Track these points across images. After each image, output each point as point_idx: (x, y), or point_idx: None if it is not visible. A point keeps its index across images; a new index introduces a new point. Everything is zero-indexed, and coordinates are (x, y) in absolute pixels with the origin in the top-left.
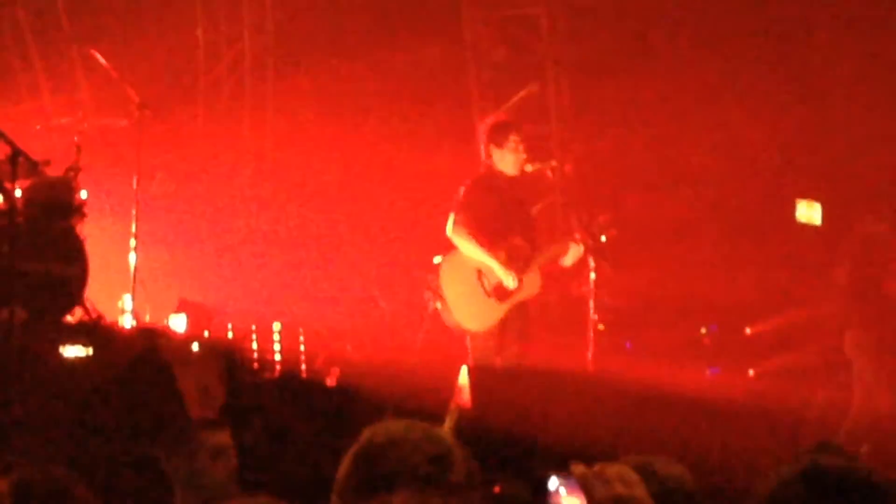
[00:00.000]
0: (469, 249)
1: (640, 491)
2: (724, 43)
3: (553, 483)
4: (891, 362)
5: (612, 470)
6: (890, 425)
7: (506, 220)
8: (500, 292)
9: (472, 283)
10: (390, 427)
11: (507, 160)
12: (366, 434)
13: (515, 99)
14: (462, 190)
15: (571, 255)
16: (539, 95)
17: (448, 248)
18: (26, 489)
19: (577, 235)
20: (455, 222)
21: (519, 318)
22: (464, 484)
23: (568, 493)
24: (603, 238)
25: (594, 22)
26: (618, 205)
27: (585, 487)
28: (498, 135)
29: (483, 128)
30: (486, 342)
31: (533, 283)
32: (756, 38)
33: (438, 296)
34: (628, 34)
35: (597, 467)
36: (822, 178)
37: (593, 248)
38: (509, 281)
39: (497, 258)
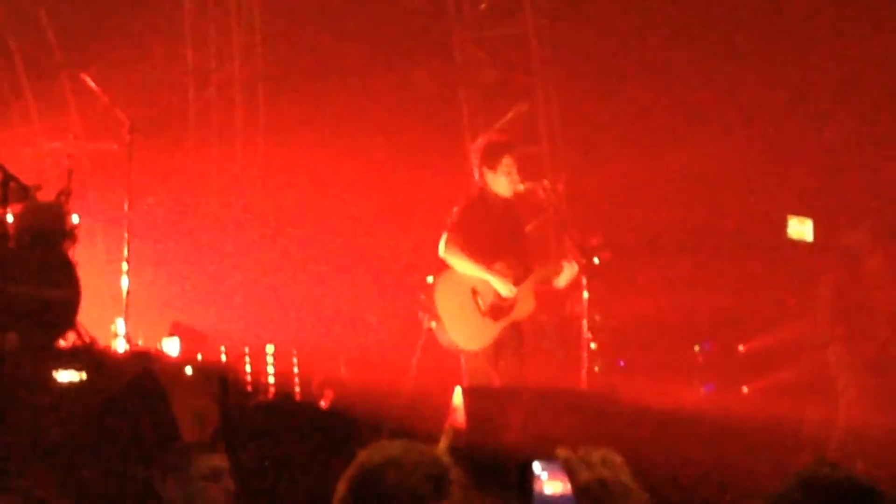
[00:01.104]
0: (463, 266)
1: (623, 474)
2: (715, 60)
3: (537, 467)
4: (873, 377)
5: (597, 454)
6: (880, 440)
7: (499, 240)
8: (495, 311)
9: (466, 302)
10: (386, 448)
11: (501, 183)
12: (361, 456)
13: (506, 118)
14: (455, 210)
15: (565, 276)
16: (529, 114)
17: (440, 268)
18: None
19: (571, 256)
20: (448, 241)
21: (514, 338)
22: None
23: (552, 477)
24: (596, 260)
25: (583, 41)
26: (610, 223)
27: (569, 471)
28: (491, 157)
29: (475, 149)
30: (482, 361)
31: (527, 301)
32: (747, 55)
33: (433, 315)
34: (617, 52)
35: (581, 451)
36: (813, 195)
37: (587, 269)
38: (506, 290)
39: (492, 271)
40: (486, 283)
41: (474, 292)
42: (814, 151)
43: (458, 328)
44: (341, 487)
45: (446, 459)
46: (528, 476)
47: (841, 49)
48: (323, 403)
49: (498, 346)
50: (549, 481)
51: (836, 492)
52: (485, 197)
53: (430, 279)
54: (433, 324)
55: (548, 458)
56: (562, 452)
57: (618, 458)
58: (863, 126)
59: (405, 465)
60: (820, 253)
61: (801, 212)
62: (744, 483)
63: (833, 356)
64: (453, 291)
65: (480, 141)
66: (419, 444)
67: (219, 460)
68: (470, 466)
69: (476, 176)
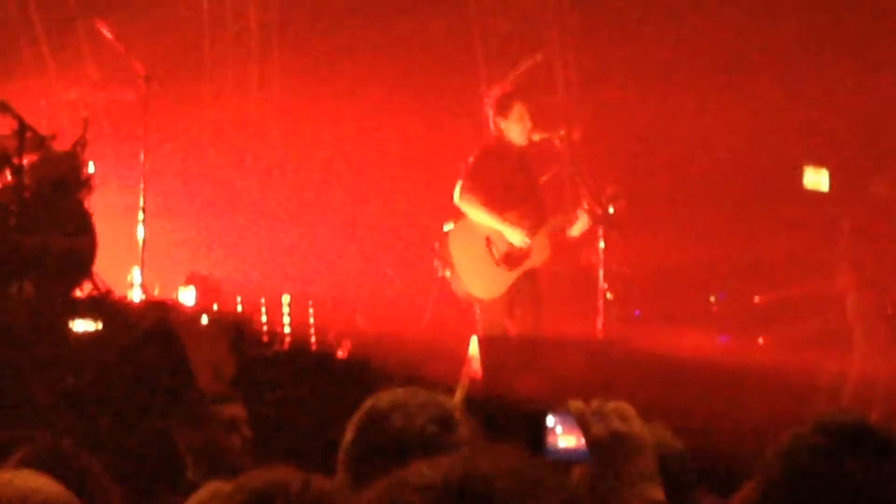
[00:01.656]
0: (477, 215)
1: (637, 426)
2: (734, 10)
3: (550, 420)
4: (891, 328)
5: (609, 406)
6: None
7: (513, 189)
8: (509, 260)
9: (481, 250)
10: (392, 394)
11: (514, 130)
12: (368, 402)
13: (522, 68)
14: (470, 159)
15: (579, 225)
16: (545, 64)
17: (456, 217)
18: (35, 464)
19: (586, 205)
20: (462, 189)
21: (529, 286)
22: (469, 444)
23: (565, 431)
24: (611, 209)
25: None
26: (626, 173)
27: (582, 424)
28: (502, 106)
29: (488, 101)
30: (497, 311)
31: (542, 250)
32: (766, 3)
33: (448, 264)
34: (634, 2)
35: (594, 403)
36: (829, 145)
37: (602, 218)
38: (519, 239)
39: (506, 220)
40: (499, 232)
41: (488, 241)
42: (830, 101)
43: (472, 277)
44: (348, 434)
45: (453, 402)
46: (541, 429)
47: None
48: (340, 353)
49: (512, 295)
50: (563, 435)
51: (851, 436)
52: (500, 146)
53: (447, 227)
54: (447, 272)
55: (560, 410)
56: (574, 405)
57: (631, 410)
58: (877, 75)
59: (411, 408)
60: (840, 201)
61: (817, 161)
62: (758, 433)
63: (851, 305)
64: (467, 240)
65: (493, 92)
66: (425, 390)
67: (236, 409)
68: (486, 416)
69: (491, 127)
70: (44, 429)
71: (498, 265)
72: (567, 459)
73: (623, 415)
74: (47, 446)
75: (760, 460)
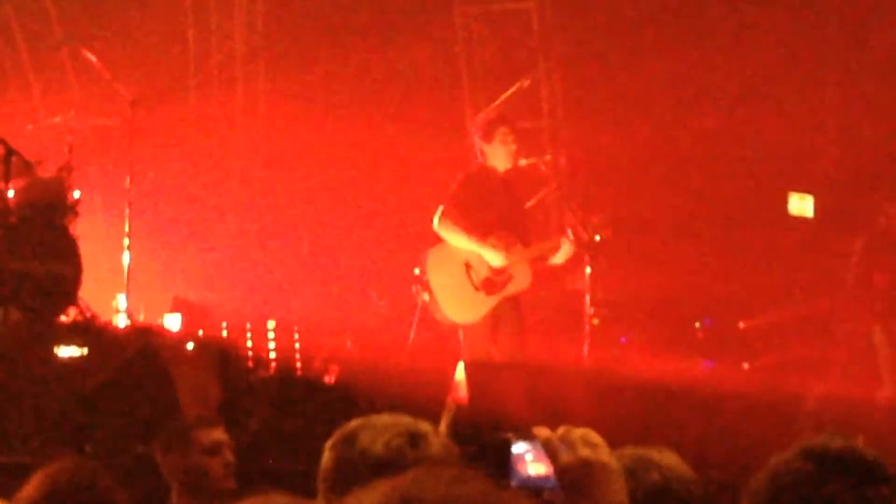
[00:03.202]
0: (455, 239)
1: (604, 454)
2: (717, 37)
3: (518, 448)
4: None
5: (576, 433)
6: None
7: (495, 215)
8: (488, 285)
9: (459, 275)
10: (366, 418)
11: (499, 153)
12: (341, 427)
13: (507, 94)
14: (453, 185)
15: (562, 253)
16: (531, 90)
17: (437, 242)
18: (57, 483)
19: (570, 234)
20: (442, 214)
21: (512, 312)
22: (442, 459)
23: (534, 458)
24: (597, 238)
25: (585, 15)
26: (612, 198)
27: (550, 452)
28: (487, 131)
29: (473, 128)
30: (478, 335)
31: (523, 277)
32: (749, 31)
33: (426, 288)
34: (619, 27)
35: (560, 430)
36: (813, 171)
37: (588, 245)
38: (498, 260)
39: (485, 243)
40: (479, 256)
41: (467, 266)
42: (815, 128)
43: (450, 302)
44: (324, 455)
45: (422, 422)
46: (507, 456)
47: (845, 24)
48: (328, 379)
49: (495, 321)
50: (532, 463)
51: (835, 461)
52: (484, 172)
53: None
54: (426, 296)
55: (527, 436)
56: (541, 432)
57: (597, 437)
58: (863, 102)
59: (377, 427)
60: (829, 231)
61: (801, 188)
62: (743, 458)
63: (877, 335)
64: (446, 265)
65: (478, 119)
66: (397, 414)
67: (218, 434)
68: (471, 441)
69: (478, 155)
70: (30, 454)
71: (477, 290)
72: (535, 487)
73: (590, 441)
74: (70, 467)
75: (747, 486)
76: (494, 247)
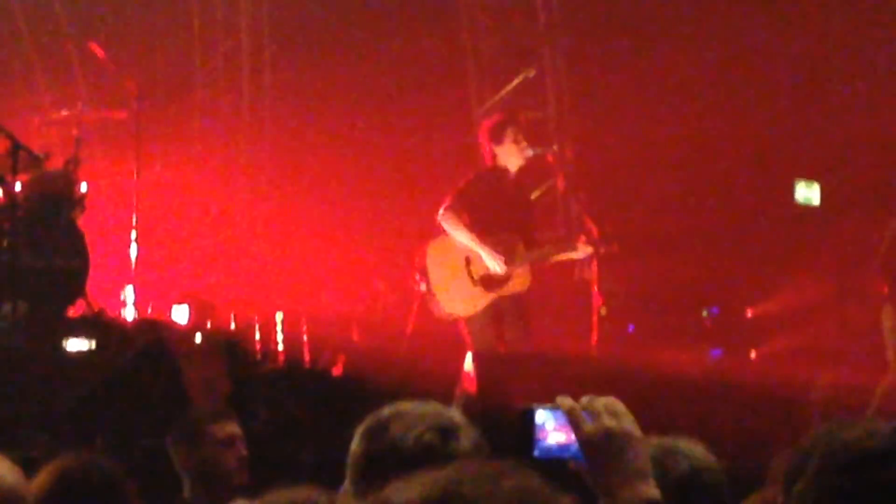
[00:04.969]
0: (457, 234)
1: (627, 422)
2: (723, 25)
3: (539, 416)
4: None
5: (599, 402)
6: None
7: (501, 216)
8: (486, 281)
9: (459, 268)
10: (396, 404)
11: (511, 153)
12: (373, 413)
13: (513, 84)
14: (462, 181)
15: (577, 255)
16: (536, 80)
17: (439, 233)
18: (66, 477)
19: (584, 238)
20: (447, 207)
21: (515, 310)
22: (471, 453)
23: (555, 428)
24: (602, 251)
25: (591, 4)
26: (618, 188)
27: (573, 421)
28: (496, 132)
29: (482, 133)
30: (484, 326)
31: (522, 278)
32: (754, 20)
33: (424, 278)
34: (624, 16)
35: (584, 400)
36: (820, 159)
37: (597, 242)
38: (496, 266)
39: (486, 245)
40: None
41: (468, 260)
42: (821, 115)
43: (448, 294)
44: (354, 444)
45: (455, 413)
46: (530, 426)
47: (852, 12)
48: (335, 370)
49: (497, 316)
50: (554, 432)
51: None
52: (495, 172)
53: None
54: (423, 286)
55: (549, 406)
56: (563, 401)
57: (621, 406)
58: (870, 88)
59: (409, 417)
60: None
61: (808, 175)
62: (752, 448)
63: (886, 319)
64: (446, 257)
65: (485, 123)
66: (431, 402)
67: (232, 427)
68: (480, 431)
69: (487, 158)
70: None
71: (475, 285)
72: (558, 456)
73: (613, 410)
74: (80, 460)
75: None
76: (493, 254)
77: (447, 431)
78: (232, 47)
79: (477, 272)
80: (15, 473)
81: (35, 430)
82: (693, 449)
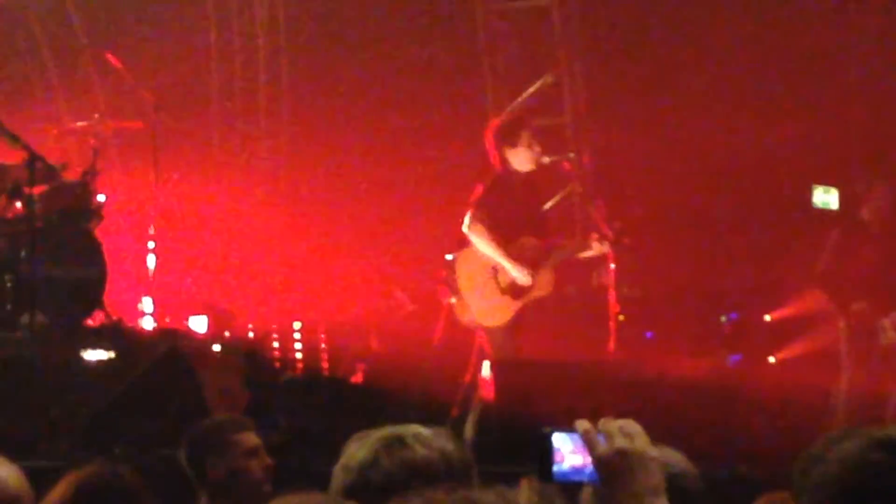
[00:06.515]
0: (483, 246)
1: (641, 442)
2: (740, 29)
3: (557, 440)
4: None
5: (615, 424)
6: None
7: (519, 220)
8: (514, 289)
9: (487, 279)
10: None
11: (523, 157)
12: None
13: (530, 91)
14: (479, 188)
15: (592, 252)
16: (554, 87)
17: (461, 244)
18: (85, 487)
19: (598, 234)
20: (472, 218)
21: (534, 318)
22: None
23: (572, 451)
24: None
25: (607, 10)
26: (635, 194)
27: (588, 444)
28: (509, 134)
29: (490, 132)
30: (502, 336)
31: (546, 282)
32: (771, 23)
33: (454, 290)
34: (641, 22)
35: (601, 422)
36: (838, 164)
37: (613, 243)
38: (522, 277)
39: (509, 256)
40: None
41: (495, 270)
42: (840, 120)
43: (478, 304)
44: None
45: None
46: (547, 449)
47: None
48: (355, 379)
49: (518, 325)
50: (571, 454)
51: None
52: (507, 175)
53: (448, 257)
54: (453, 299)
55: (566, 429)
56: (581, 424)
57: (636, 427)
58: (888, 93)
59: (426, 438)
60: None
61: (826, 181)
62: (773, 453)
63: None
64: (474, 268)
65: (495, 123)
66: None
67: (251, 437)
68: (498, 438)
69: (497, 159)
70: (57, 458)
71: (503, 294)
72: (574, 479)
73: (628, 432)
74: (99, 470)
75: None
76: (518, 266)
77: (464, 468)
78: (249, 57)
79: (504, 281)
80: (19, 479)
81: (54, 440)
82: (665, 455)
